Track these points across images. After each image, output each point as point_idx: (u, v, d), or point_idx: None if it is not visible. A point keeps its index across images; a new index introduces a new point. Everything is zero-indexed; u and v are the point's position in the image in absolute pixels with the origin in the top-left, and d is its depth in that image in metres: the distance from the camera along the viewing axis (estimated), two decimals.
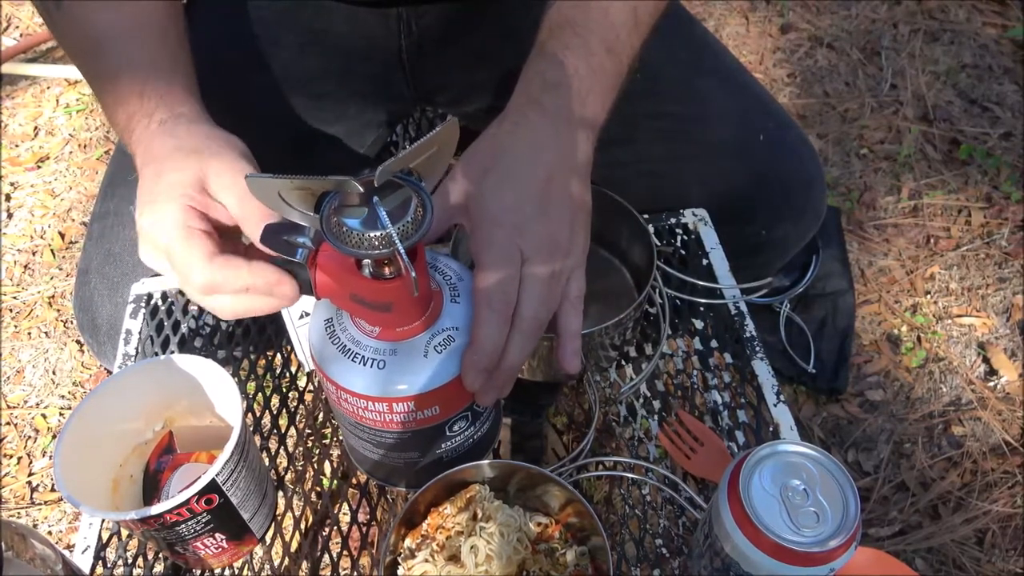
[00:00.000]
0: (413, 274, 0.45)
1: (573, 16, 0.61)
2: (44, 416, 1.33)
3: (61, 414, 1.33)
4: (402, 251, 0.45)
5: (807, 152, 0.90)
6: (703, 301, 0.75)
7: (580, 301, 0.58)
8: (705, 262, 0.77)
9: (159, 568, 0.62)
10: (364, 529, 0.64)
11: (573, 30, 0.60)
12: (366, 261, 0.48)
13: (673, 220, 0.81)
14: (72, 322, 1.44)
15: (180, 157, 0.56)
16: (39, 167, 1.71)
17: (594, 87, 0.60)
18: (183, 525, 0.54)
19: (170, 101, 0.61)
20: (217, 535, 0.57)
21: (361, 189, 0.45)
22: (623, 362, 0.74)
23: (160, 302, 0.77)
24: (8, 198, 1.66)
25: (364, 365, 0.52)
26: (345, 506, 0.66)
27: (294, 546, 0.63)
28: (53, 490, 1.24)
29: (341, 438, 0.66)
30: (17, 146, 1.76)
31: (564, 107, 0.59)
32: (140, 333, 0.74)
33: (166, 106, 0.60)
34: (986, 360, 1.31)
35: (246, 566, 0.62)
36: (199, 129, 0.59)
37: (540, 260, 0.54)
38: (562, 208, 0.57)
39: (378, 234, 0.45)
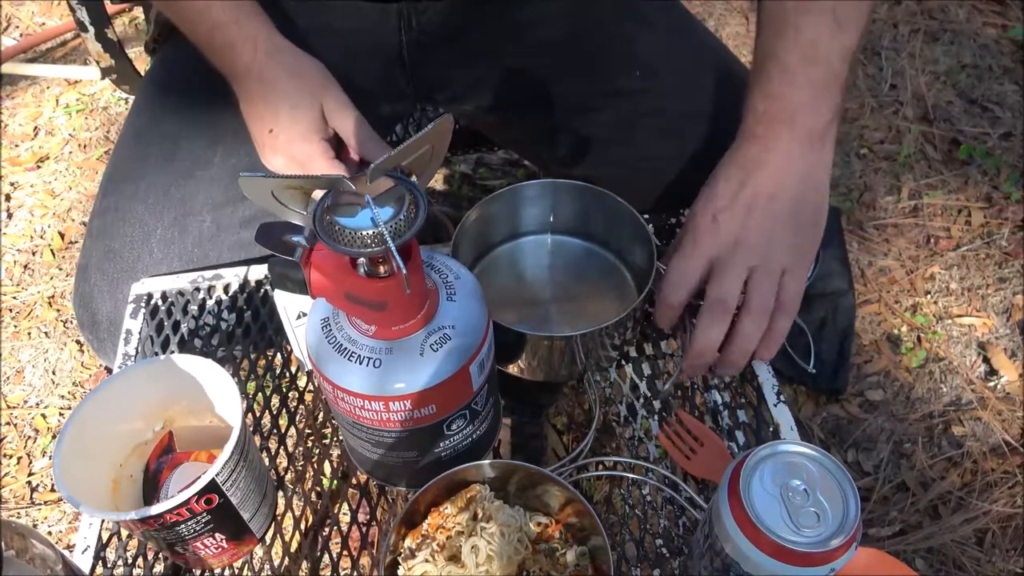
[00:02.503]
0: (405, 272, 0.45)
1: (772, 46, 0.69)
2: (44, 416, 1.33)
3: (61, 414, 1.33)
4: (394, 249, 0.45)
5: None
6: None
7: (791, 304, 0.68)
8: None
9: (159, 568, 0.62)
10: (364, 529, 0.64)
11: (773, 59, 0.68)
12: (360, 259, 0.48)
13: (673, 220, 0.81)
14: (72, 322, 1.44)
15: (303, 91, 0.74)
16: (39, 167, 1.71)
17: (801, 103, 0.67)
18: (183, 525, 0.54)
19: (266, 32, 0.76)
20: (217, 535, 0.57)
21: (354, 187, 0.45)
22: (623, 362, 0.74)
23: (160, 302, 0.77)
24: (8, 198, 1.66)
25: (360, 364, 0.52)
26: (345, 506, 0.66)
27: (294, 546, 0.63)
28: (53, 490, 1.24)
29: (341, 438, 0.66)
30: (17, 146, 1.76)
31: (774, 131, 0.67)
32: (140, 333, 0.74)
33: (264, 36, 0.75)
34: (986, 360, 1.31)
35: (246, 566, 0.62)
36: (302, 60, 0.76)
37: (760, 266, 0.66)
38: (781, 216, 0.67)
39: (370, 232, 0.45)
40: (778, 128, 0.67)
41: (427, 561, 0.55)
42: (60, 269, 1.53)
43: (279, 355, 0.75)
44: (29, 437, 1.30)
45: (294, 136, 0.73)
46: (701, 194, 0.69)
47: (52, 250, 1.56)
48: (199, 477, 0.53)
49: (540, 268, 0.77)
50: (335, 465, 0.69)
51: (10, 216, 1.63)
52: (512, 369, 0.70)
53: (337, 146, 0.75)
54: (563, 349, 0.67)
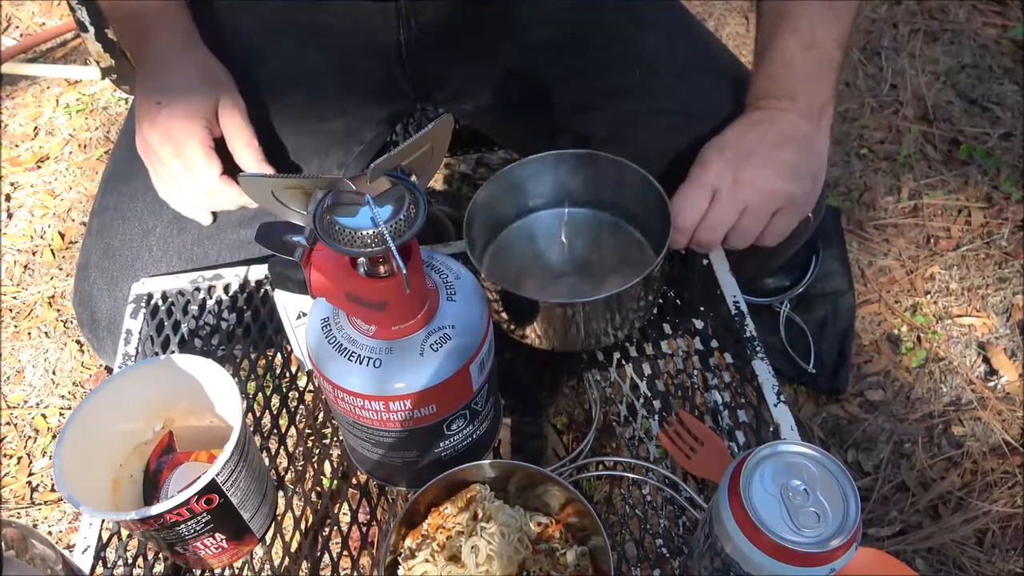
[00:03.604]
0: (405, 272, 0.45)
1: (773, 33, 0.77)
2: (44, 416, 1.33)
3: (61, 414, 1.33)
4: (394, 249, 0.45)
5: None
6: (701, 305, 0.75)
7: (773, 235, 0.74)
8: (705, 262, 0.77)
9: (159, 568, 0.62)
10: (364, 529, 0.64)
11: (774, 45, 0.77)
12: (360, 259, 0.48)
13: None
14: (72, 322, 1.44)
15: (203, 80, 0.76)
16: (39, 167, 1.71)
17: (801, 83, 0.75)
18: (183, 525, 0.54)
19: (187, 28, 0.79)
20: (217, 535, 0.57)
21: (354, 187, 0.45)
22: (624, 361, 0.74)
23: (160, 302, 0.77)
24: (8, 198, 1.66)
25: (360, 364, 0.52)
26: (345, 506, 0.66)
27: (294, 546, 0.63)
28: (53, 490, 1.24)
29: (341, 438, 0.66)
30: (17, 146, 1.76)
31: (777, 105, 0.75)
32: (140, 333, 0.74)
33: (183, 31, 0.78)
34: (986, 360, 1.31)
35: (246, 566, 0.62)
36: (212, 60, 0.78)
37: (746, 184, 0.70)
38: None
39: (370, 232, 0.45)
40: (780, 103, 0.75)
41: (427, 561, 0.55)
42: (60, 269, 1.53)
43: (279, 355, 0.75)
44: (29, 437, 1.30)
45: (178, 113, 0.73)
46: (711, 140, 0.74)
47: (52, 250, 1.56)
48: (199, 477, 0.53)
49: (557, 241, 0.77)
50: (335, 465, 0.69)
51: (10, 216, 1.63)
52: (542, 343, 0.70)
53: (224, 153, 0.75)
54: (591, 313, 0.67)
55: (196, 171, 0.73)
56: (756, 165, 0.71)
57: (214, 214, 0.79)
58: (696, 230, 0.71)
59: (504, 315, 0.70)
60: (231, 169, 0.74)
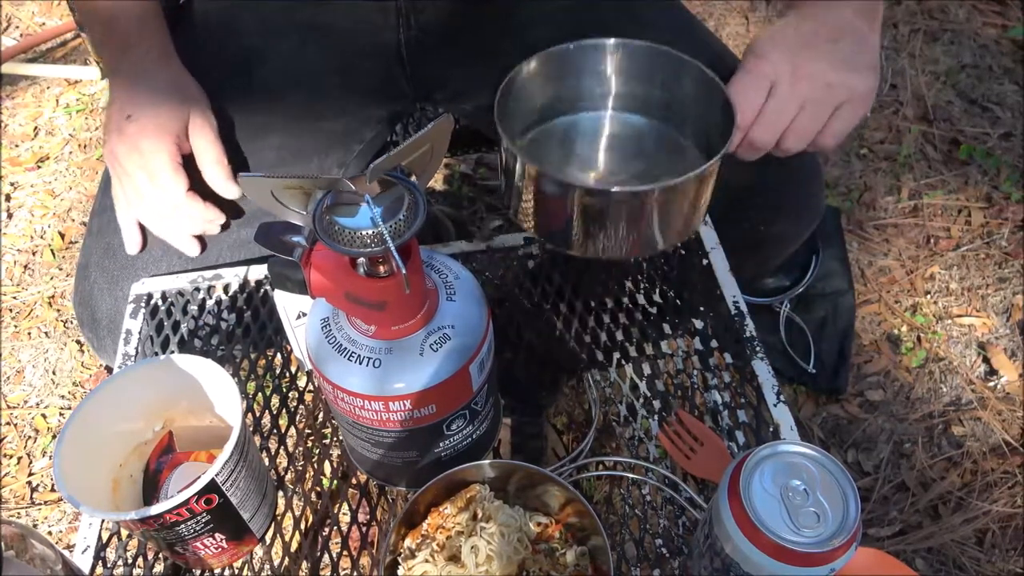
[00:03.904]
0: (405, 272, 0.45)
1: None
2: (44, 416, 1.33)
3: (61, 414, 1.33)
4: (394, 249, 0.45)
5: None
6: (700, 305, 0.75)
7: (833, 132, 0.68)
8: (705, 262, 0.77)
9: (159, 568, 0.62)
10: (364, 529, 0.64)
11: None
12: (360, 259, 0.48)
13: None
14: (72, 322, 1.44)
15: (175, 95, 0.75)
16: (39, 167, 1.71)
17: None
18: (183, 525, 0.54)
19: (163, 44, 0.78)
20: (217, 535, 0.57)
21: (353, 187, 0.45)
22: (623, 361, 0.74)
23: (160, 302, 0.77)
24: (8, 198, 1.66)
25: (360, 364, 0.52)
26: (345, 506, 0.66)
27: (294, 546, 0.63)
28: (53, 490, 1.24)
29: (341, 438, 0.66)
30: (17, 146, 1.76)
31: (827, 7, 0.70)
32: (140, 333, 0.74)
33: (159, 46, 0.78)
34: (986, 360, 1.31)
35: (246, 566, 0.62)
36: (186, 77, 0.78)
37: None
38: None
39: (370, 232, 0.45)
40: (830, 5, 0.70)
41: (427, 561, 0.55)
42: (60, 269, 1.53)
43: (279, 355, 0.75)
44: (29, 437, 1.30)
45: (148, 126, 0.73)
46: (764, 33, 0.70)
47: (52, 250, 1.56)
48: (199, 477, 0.53)
49: (598, 147, 0.71)
50: (335, 465, 0.69)
51: (10, 216, 1.63)
52: (578, 246, 0.64)
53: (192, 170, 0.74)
54: (644, 207, 0.60)
55: (161, 184, 0.72)
56: (814, 58, 0.67)
57: (202, 243, 0.78)
58: (752, 127, 0.66)
59: (535, 215, 0.63)
60: (198, 186, 0.73)
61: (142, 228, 0.78)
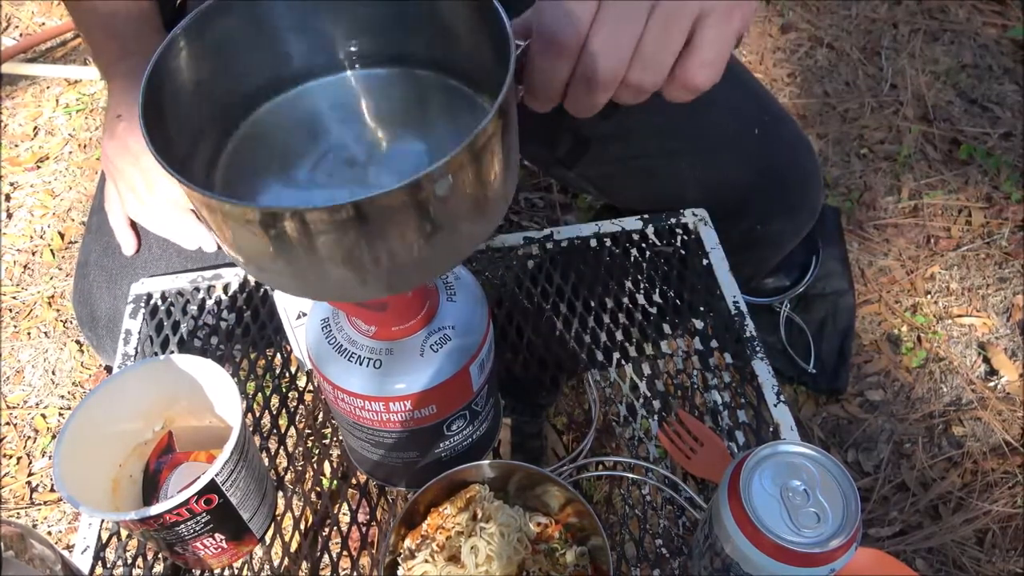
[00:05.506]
0: None
1: None
2: (44, 416, 1.33)
3: (61, 414, 1.33)
4: None
5: (803, 146, 0.90)
6: (700, 305, 0.75)
7: (702, 65, 0.47)
8: (705, 262, 0.77)
9: (159, 568, 0.62)
10: (364, 529, 0.64)
11: None
12: None
13: (673, 220, 0.81)
14: (72, 322, 1.44)
15: None
16: (39, 167, 1.71)
17: None
18: (182, 525, 0.54)
19: (159, 42, 0.71)
20: (217, 535, 0.57)
21: None
22: (623, 361, 0.74)
23: (160, 302, 0.76)
24: (8, 198, 1.66)
25: (360, 364, 0.52)
26: (345, 506, 0.66)
27: (294, 546, 0.63)
28: (53, 490, 1.24)
29: (341, 438, 0.66)
30: (17, 146, 1.76)
31: None
32: (140, 333, 0.74)
33: (156, 47, 0.73)
34: (986, 360, 1.31)
35: (246, 566, 0.62)
36: None
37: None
38: None
39: None
40: None
41: (427, 561, 0.55)
42: (60, 269, 1.53)
43: (279, 355, 0.75)
44: (29, 437, 1.30)
45: (137, 125, 0.72)
46: None
47: (52, 250, 1.56)
48: (199, 477, 0.53)
49: (347, 123, 0.47)
50: (335, 465, 0.69)
51: (10, 216, 1.63)
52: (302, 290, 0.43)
53: None
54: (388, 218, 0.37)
55: (154, 180, 0.73)
56: None
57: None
58: (580, 55, 0.46)
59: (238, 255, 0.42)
60: None
61: (136, 228, 0.78)
